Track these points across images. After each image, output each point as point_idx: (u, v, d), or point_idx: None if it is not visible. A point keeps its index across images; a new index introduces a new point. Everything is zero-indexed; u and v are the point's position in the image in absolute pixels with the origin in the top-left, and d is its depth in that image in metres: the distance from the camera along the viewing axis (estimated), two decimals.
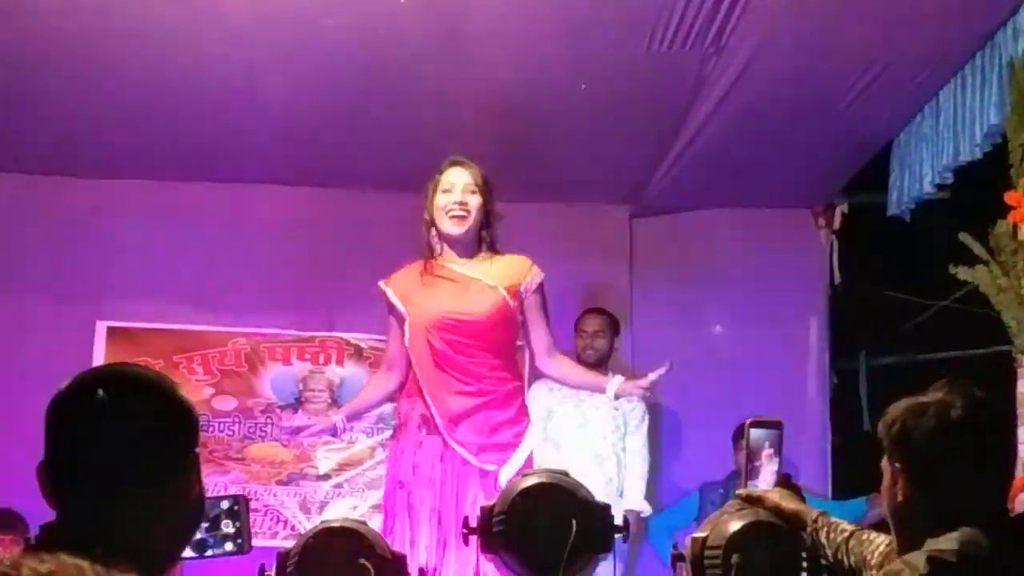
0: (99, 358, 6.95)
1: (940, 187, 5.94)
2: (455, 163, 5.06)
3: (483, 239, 5.06)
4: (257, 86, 5.89)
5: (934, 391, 2.66)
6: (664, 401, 7.01)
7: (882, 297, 7.08)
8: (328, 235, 7.03)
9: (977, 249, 5.01)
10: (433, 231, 5.06)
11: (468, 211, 5.00)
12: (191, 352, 7.08)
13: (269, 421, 7.10)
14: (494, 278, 5.02)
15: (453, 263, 5.05)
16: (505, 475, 4.84)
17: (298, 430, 5.42)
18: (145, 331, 7.09)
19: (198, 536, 2.94)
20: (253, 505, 6.92)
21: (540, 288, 5.10)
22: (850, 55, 5.49)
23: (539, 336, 5.16)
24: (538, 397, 6.44)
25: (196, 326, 7.10)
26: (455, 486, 4.90)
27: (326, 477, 7.03)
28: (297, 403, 7.14)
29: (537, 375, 6.21)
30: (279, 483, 7.07)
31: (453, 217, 4.99)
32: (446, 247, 5.06)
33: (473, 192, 4.99)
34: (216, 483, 6.93)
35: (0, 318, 7.00)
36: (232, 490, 6.93)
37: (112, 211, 7.09)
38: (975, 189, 5.56)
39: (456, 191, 4.97)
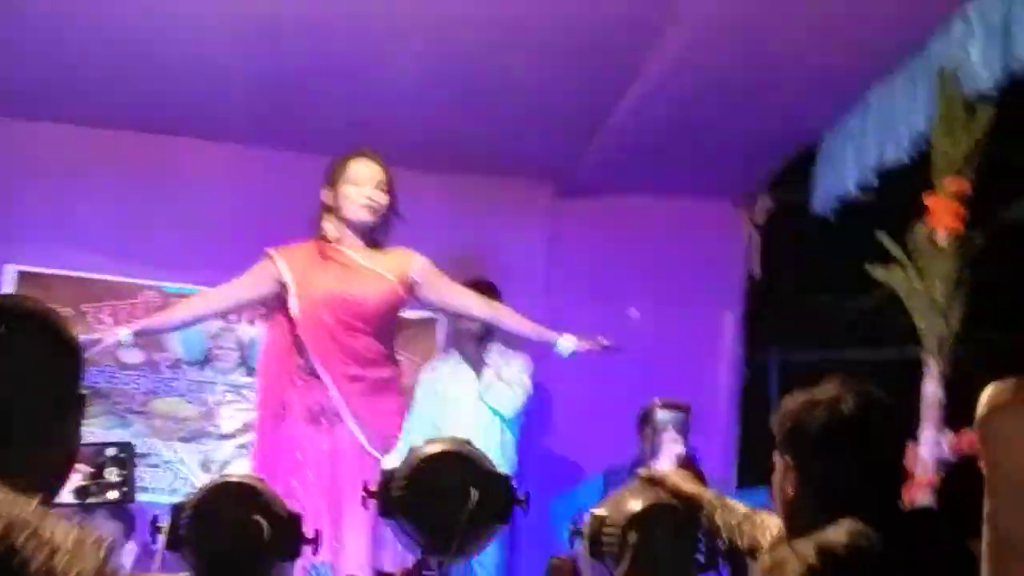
0: None
1: (864, 188, 5.96)
2: (365, 155, 5.17)
3: (376, 233, 5.20)
4: (197, 37, 5.79)
5: (826, 387, 2.68)
6: (570, 382, 7.01)
7: (799, 294, 7.11)
8: (250, 194, 6.95)
9: (895, 250, 5.04)
10: (331, 216, 5.11)
11: (376, 206, 5.14)
12: (100, 302, 6.97)
13: (175, 377, 7.02)
14: (384, 268, 5.17)
15: (348, 249, 5.16)
16: (387, 464, 4.90)
17: (91, 343, 5.28)
18: (55, 277, 6.97)
19: (81, 483, 2.89)
20: (153, 460, 6.86)
21: (429, 266, 5.21)
22: (783, 50, 5.49)
23: (460, 293, 5.32)
24: (425, 383, 6.40)
25: (108, 275, 7.00)
26: (345, 477, 4.94)
27: (230, 436, 6.96)
28: (205, 360, 7.06)
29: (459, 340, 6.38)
30: (181, 440, 6.98)
31: (362, 207, 5.14)
32: (346, 234, 5.18)
33: (383, 189, 5.15)
34: (118, 436, 6.83)
35: None
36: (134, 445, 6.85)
37: (27, 152, 6.95)
38: (898, 192, 5.59)
39: (368, 185, 5.11)
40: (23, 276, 6.97)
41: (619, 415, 6.58)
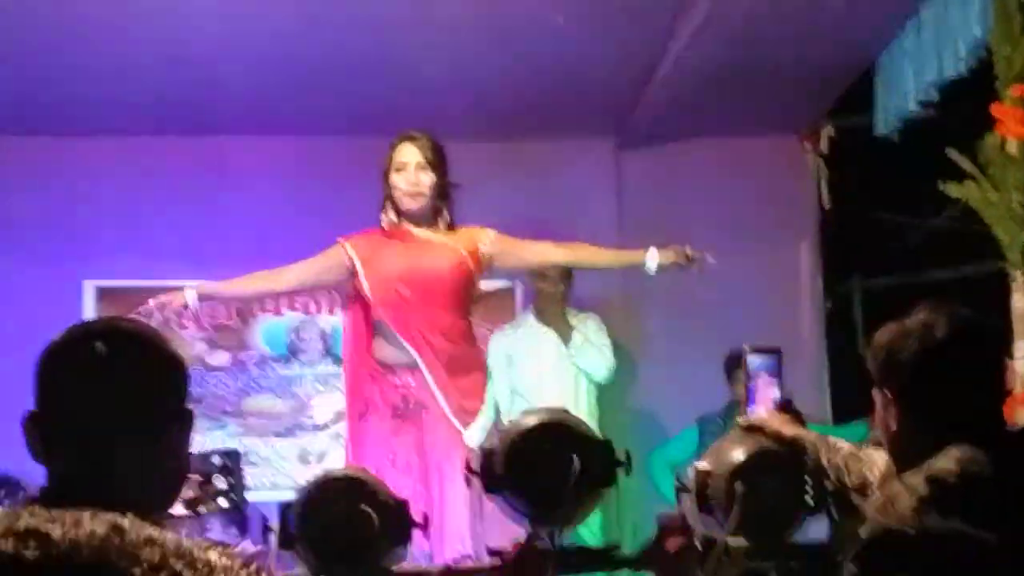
0: (89, 318, 6.91)
1: (926, 104, 5.88)
2: (406, 138, 5.14)
3: (439, 212, 5.15)
4: (234, 35, 5.83)
5: (917, 314, 2.64)
6: (659, 333, 7.00)
7: (873, 219, 7.04)
8: (315, 184, 6.98)
9: (966, 165, 4.97)
10: (389, 204, 5.13)
11: (421, 189, 5.09)
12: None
13: (263, 374, 7.08)
14: (453, 242, 5.16)
15: (412, 228, 5.16)
16: (471, 440, 4.94)
17: (159, 306, 5.29)
18: (134, 289, 7.03)
19: (191, 494, 2.93)
20: (252, 459, 6.93)
21: (499, 235, 5.23)
22: None
23: (537, 247, 5.33)
24: (496, 347, 6.40)
25: (185, 281, 7.03)
26: (434, 461, 4.97)
27: (324, 427, 7.01)
28: (291, 354, 7.12)
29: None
30: (277, 435, 7.06)
31: (407, 195, 5.10)
32: (408, 221, 5.16)
33: (424, 169, 5.10)
34: (213, 438, 6.93)
35: None
36: (230, 444, 6.93)
37: (93, 169, 7.05)
38: (962, 105, 5.52)
39: (409, 169, 5.09)
40: (101, 291, 7.05)
41: (706, 361, 6.58)
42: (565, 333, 6.41)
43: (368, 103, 6.54)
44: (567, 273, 6.33)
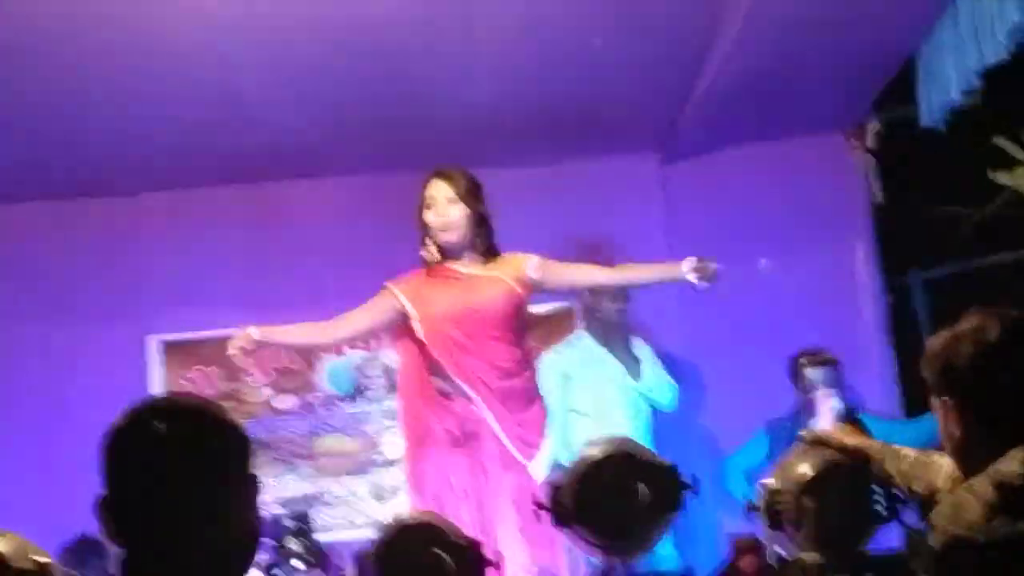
0: (155, 373, 7.02)
1: (969, 93, 5.85)
2: (436, 175, 5.19)
3: (476, 245, 5.16)
4: (281, 80, 5.93)
5: (967, 320, 2.64)
6: (718, 341, 6.98)
7: (926, 210, 6.99)
8: (364, 223, 7.02)
9: (1013, 150, 4.95)
10: (428, 241, 5.18)
11: (453, 225, 5.14)
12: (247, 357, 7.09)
13: (331, 414, 7.14)
14: (498, 272, 5.17)
15: (456, 264, 5.19)
16: (534, 470, 4.96)
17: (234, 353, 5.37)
18: (197, 341, 7.12)
19: (267, 558, 2.97)
20: (327, 499, 6.99)
21: (542, 260, 5.24)
22: None
23: (582, 269, 5.35)
24: (550, 366, 6.38)
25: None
26: (494, 491, 4.99)
27: (395, 462, 7.03)
28: (356, 392, 7.17)
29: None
30: (349, 474, 7.10)
31: (439, 230, 5.15)
32: (445, 255, 5.20)
33: (454, 203, 5.11)
34: (286, 481, 6.99)
35: (53, 345, 7.05)
36: (303, 487, 6.98)
37: (148, 224, 7.15)
38: (1007, 91, 5.49)
39: (438, 205, 5.13)
40: (168, 345, 7.13)
41: (769, 367, 6.56)
42: (628, 360, 6.43)
43: (418, 137, 6.58)
44: (625, 295, 6.34)
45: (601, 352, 6.45)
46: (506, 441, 5.03)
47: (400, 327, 5.29)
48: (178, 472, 2.06)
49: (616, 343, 6.44)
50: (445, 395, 5.12)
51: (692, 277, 5.16)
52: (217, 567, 2.07)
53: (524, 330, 5.29)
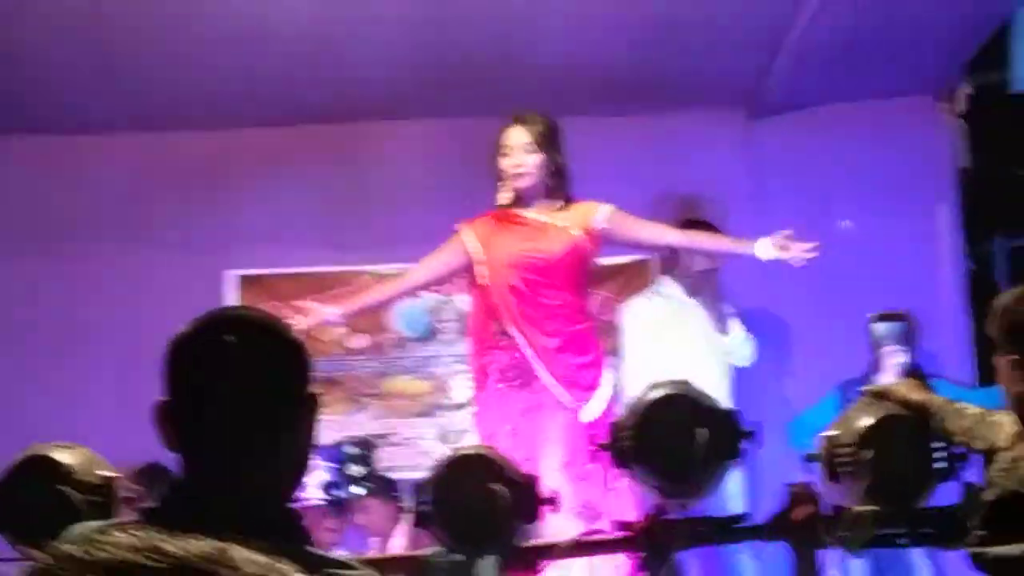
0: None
1: None
2: (514, 120, 5.25)
3: (551, 191, 5.17)
4: (363, 23, 5.92)
5: None
6: (800, 300, 6.93)
7: (1014, 177, 6.89)
8: (449, 167, 6.99)
9: None
10: (503, 186, 5.25)
11: (527, 171, 5.19)
12: (321, 293, 7.13)
13: (402, 355, 7.18)
14: (565, 221, 5.21)
15: (527, 211, 5.25)
16: (586, 416, 5.01)
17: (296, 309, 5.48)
18: (273, 276, 7.18)
19: (326, 479, 3.00)
20: (393, 439, 7.02)
21: (615, 211, 5.24)
22: None
23: (651, 227, 5.37)
24: (637, 313, 6.41)
25: (323, 267, 7.18)
26: (542, 430, 5.04)
27: (463, 406, 7.06)
28: (429, 334, 7.20)
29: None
30: (417, 415, 7.13)
31: (513, 176, 5.19)
32: (521, 199, 5.25)
33: (530, 152, 5.17)
34: (355, 420, 7.03)
35: (133, 274, 7.14)
36: (372, 426, 7.03)
37: (232, 161, 7.17)
38: None
39: (514, 153, 5.17)
40: (244, 280, 7.19)
41: (849, 327, 6.50)
42: (718, 315, 6.42)
43: (502, 82, 6.55)
44: (719, 258, 6.33)
45: (689, 303, 6.43)
46: (554, 387, 5.07)
47: (469, 270, 5.34)
48: (240, 383, 2.06)
49: (705, 294, 6.41)
50: (506, 336, 5.16)
51: (764, 256, 5.17)
52: (268, 481, 2.08)
53: (587, 278, 5.35)
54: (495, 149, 5.24)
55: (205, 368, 2.07)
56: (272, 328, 2.15)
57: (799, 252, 5.19)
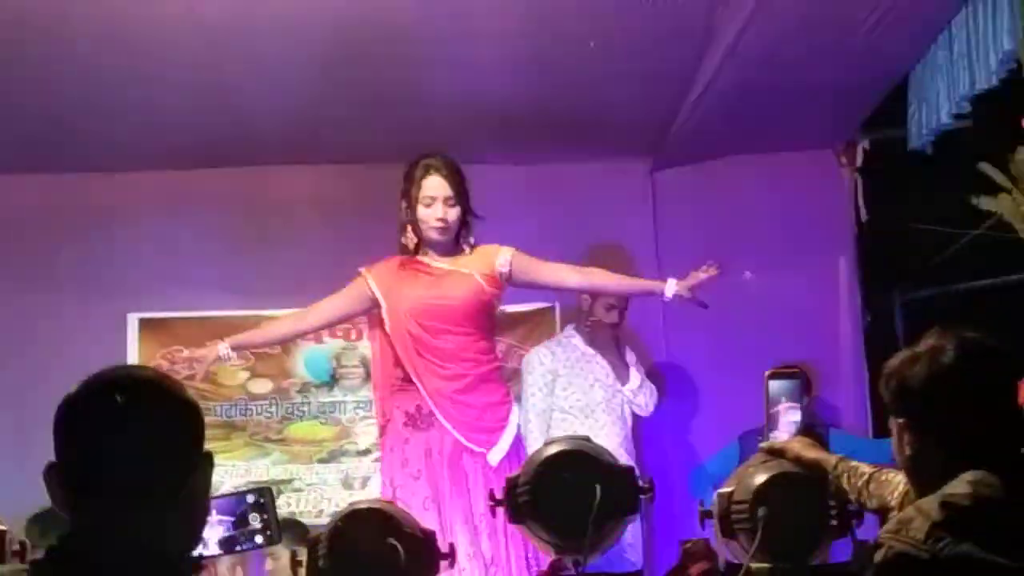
0: (132, 351, 7.02)
1: (958, 117, 5.87)
2: (432, 169, 5.20)
3: (461, 240, 5.25)
4: (263, 69, 5.91)
5: (926, 339, 2.64)
6: (699, 351, 7.00)
7: (910, 231, 7.00)
8: (349, 211, 7.03)
9: (998, 177, 4.97)
10: (410, 232, 5.23)
11: (449, 225, 5.18)
12: (221, 338, 7.09)
13: (306, 401, 7.15)
14: (468, 267, 5.21)
15: (429, 259, 5.25)
16: (494, 458, 5.04)
17: (187, 360, 5.52)
18: (177, 320, 7.13)
19: (226, 534, 2.97)
20: (296, 485, 7.00)
21: (516, 254, 5.27)
22: None
23: (553, 268, 5.41)
24: (538, 362, 6.45)
25: (227, 311, 7.13)
26: (447, 474, 5.05)
27: (367, 452, 7.06)
28: (332, 380, 7.19)
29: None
30: (320, 461, 7.12)
31: (435, 229, 5.19)
32: (426, 247, 5.25)
33: (452, 205, 5.16)
34: (258, 465, 7.01)
35: (33, 318, 7.06)
36: (275, 472, 6.99)
37: (135, 204, 7.14)
38: (995, 117, 5.51)
39: (437, 205, 5.16)
40: (145, 323, 7.13)
41: (746, 378, 6.56)
42: (618, 366, 6.46)
43: (405, 129, 6.56)
44: (625, 302, 6.36)
45: (590, 353, 6.47)
46: (457, 434, 5.09)
47: (374, 315, 5.35)
48: (131, 443, 2.05)
49: (605, 346, 6.45)
50: (408, 381, 5.18)
51: (669, 295, 5.24)
52: (165, 542, 2.07)
53: (491, 321, 5.35)
54: (408, 192, 5.21)
55: (93, 428, 2.06)
56: (163, 388, 2.14)
57: (706, 280, 5.25)
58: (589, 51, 5.83)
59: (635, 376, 6.49)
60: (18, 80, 5.84)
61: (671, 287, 5.32)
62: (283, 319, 5.76)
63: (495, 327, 5.43)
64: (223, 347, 5.37)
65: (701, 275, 5.33)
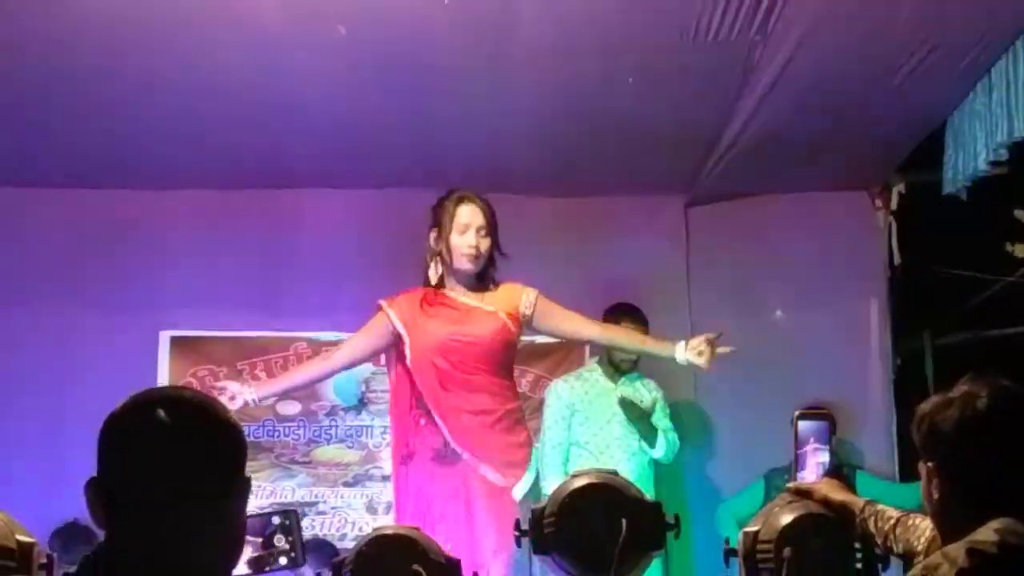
0: (163, 368, 7.05)
1: (995, 164, 5.87)
2: (468, 199, 5.19)
3: (488, 275, 5.22)
4: (303, 95, 5.92)
5: (960, 385, 2.65)
6: (726, 388, 6.99)
7: (943, 275, 7.00)
8: (382, 235, 7.04)
9: None
10: (438, 261, 5.19)
11: (481, 254, 5.16)
12: (254, 358, 7.14)
13: (333, 424, 7.17)
14: (492, 304, 5.19)
15: (455, 293, 5.21)
16: (517, 493, 5.02)
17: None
18: (208, 339, 7.17)
19: (254, 554, 2.99)
20: (321, 508, 7.01)
21: (540, 297, 5.25)
22: (900, 34, 5.40)
23: (572, 318, 5.35)
24: (558, 395, 6.47)
25: (258, 332, 7.17)
26: (472, 508, 5.04)
27: (391, 477, 7.06)
28: (361, 404, 7.21)
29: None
30: (345, 485, 7.14)
31: (467, 257, 5.16)
32: (452, 279, 5.21)
33: (485, 235, 5.15)
34: (284, 487, 7.03)
35: (65, 333, 7.09)
36: (300, 494, 7.01)
37: (170, 222, 7.17)
38: None
39: (471, 233, 5.13)
40: (176, 341, 7.17)
41: (774, 417, 6.55)
42: (641, 398, 6.48)
43: (442, 157, 6.61)
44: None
45: (610, 387, 6.47)
46: (482, 469, 5.08)
47: (394, 348, 5.31)
48: (174, 462, 2.07)
49: (628, 379, 6.46)
50: (429, 416, 5.15)
51: (686, 360, 5.22)
52: (202, 562, 2.08)
53: (512, 360, 5.32)
54: (441, 222, 5.20)
55: (136, 445, 2.08)
56: (208, 409, 2.16)
57: (716, 355, 5.21)
58: (627, 87, 5.84)
59: (659, 416, 6.48)
60: (57, 95, 5.87)
61: (680, 352, 5.28)
62: (310, 363, 5.75)
63: (513, 365, 5.41)
64: (251, 395, 5.25)
65: (706, 346, 5.26)
